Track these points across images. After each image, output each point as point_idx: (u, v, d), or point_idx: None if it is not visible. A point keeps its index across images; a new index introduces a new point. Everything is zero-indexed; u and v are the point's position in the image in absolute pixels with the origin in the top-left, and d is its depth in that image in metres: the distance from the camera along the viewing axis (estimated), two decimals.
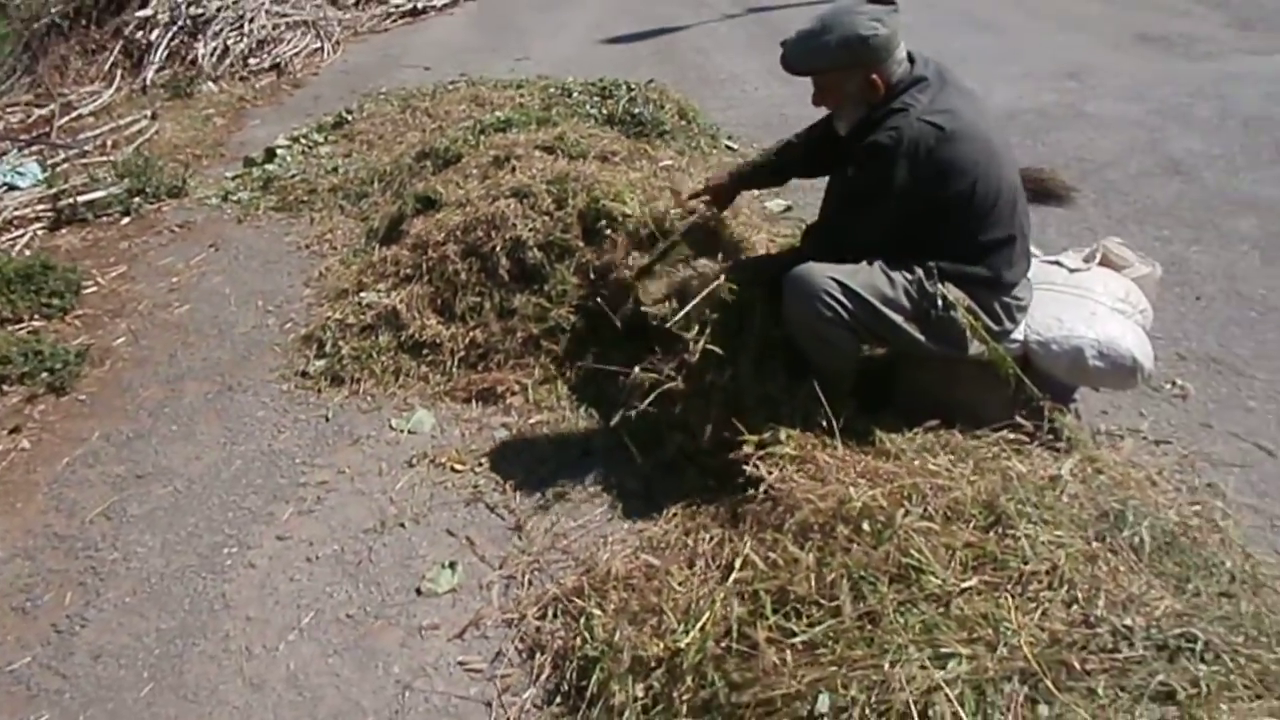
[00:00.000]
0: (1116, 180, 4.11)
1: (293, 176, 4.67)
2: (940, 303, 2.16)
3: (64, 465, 2.76)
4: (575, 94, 4.68)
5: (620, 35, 7.16)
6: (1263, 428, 2.52)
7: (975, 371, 2.29)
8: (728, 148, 4.59)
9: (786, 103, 5.23)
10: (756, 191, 4.10)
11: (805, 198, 4.10)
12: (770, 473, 2.07)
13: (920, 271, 2.17)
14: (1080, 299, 2.40)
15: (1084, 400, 2.62)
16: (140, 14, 6.43)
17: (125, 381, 3.16)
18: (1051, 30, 6.46)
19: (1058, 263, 2.60)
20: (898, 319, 2.16)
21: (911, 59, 2.18)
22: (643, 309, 2.59)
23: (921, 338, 2.19)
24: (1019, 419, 2.18)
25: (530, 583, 2.18)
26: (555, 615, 2.04)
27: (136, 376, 3.19)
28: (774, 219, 3.76)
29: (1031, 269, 2.44)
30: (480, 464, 2.60)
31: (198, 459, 2.74)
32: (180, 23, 6.48)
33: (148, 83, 6.09)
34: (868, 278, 2.15)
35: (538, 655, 1.96)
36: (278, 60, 6.72)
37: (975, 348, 2.22)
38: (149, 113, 5.50)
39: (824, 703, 1.52)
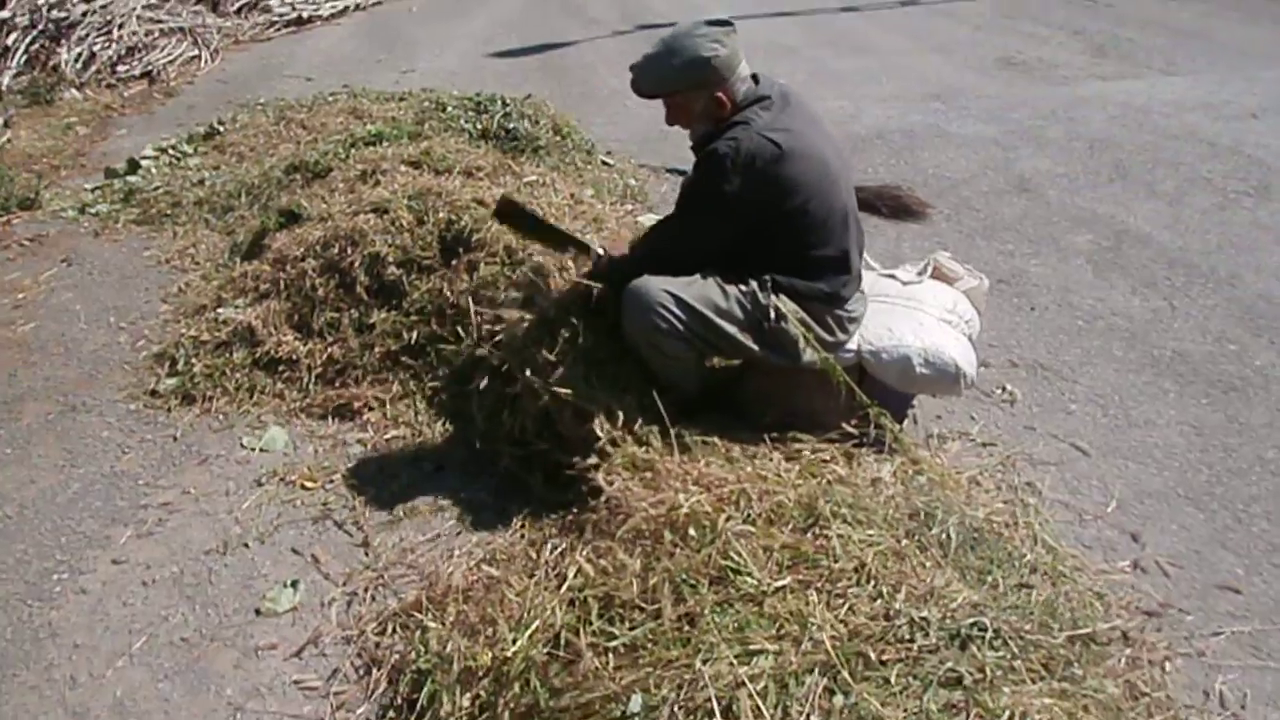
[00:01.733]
0: (969, 197, 4.34)
1: (156, 189, 4.52)
2: (773, 314, 2.25)
3: None
4: (450, 108, 4.67)
5: (509, 49, 7.19)
6: (1081, 429, 2.70)
7: (816, 379, 2.39)
8: (604, 163, 4.66)
9: None
10: (631, 206, 4.20)
11: None
12: (610, 482, 2.12)
13: (754, 284, 2.26)
14: (911, 310, 2.54)
15: (920, 406, 2.75)
16: None
17: None
18: (922, 54, 6.77)
19: (893, 276, 2.73)
20: (732, 330, 2.24)
21: (757, 79, 2.28)
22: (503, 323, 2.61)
23: (756, 347, 2.28)
24: (848, 426, 2.28)
25: (373, 598, 2.16)
26: (394, 630, 2.04)
27: None
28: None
29: (868, 281, 2.58)
30: (332, 481, 2.57)
31: (32, 483, 2.63)
32: (40, 26, 6.19)
33: (3, 88, 5.80)
34: (701, 290, 2.23)
35: (374, 671, 1.95)
36: (150, 68, 6.49)
37: (809, 356, 2.32)
38: (2, 120, 5.25)
39: (635, 703, 1.56)
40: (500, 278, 2.77)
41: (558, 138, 4.51)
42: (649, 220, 4.07)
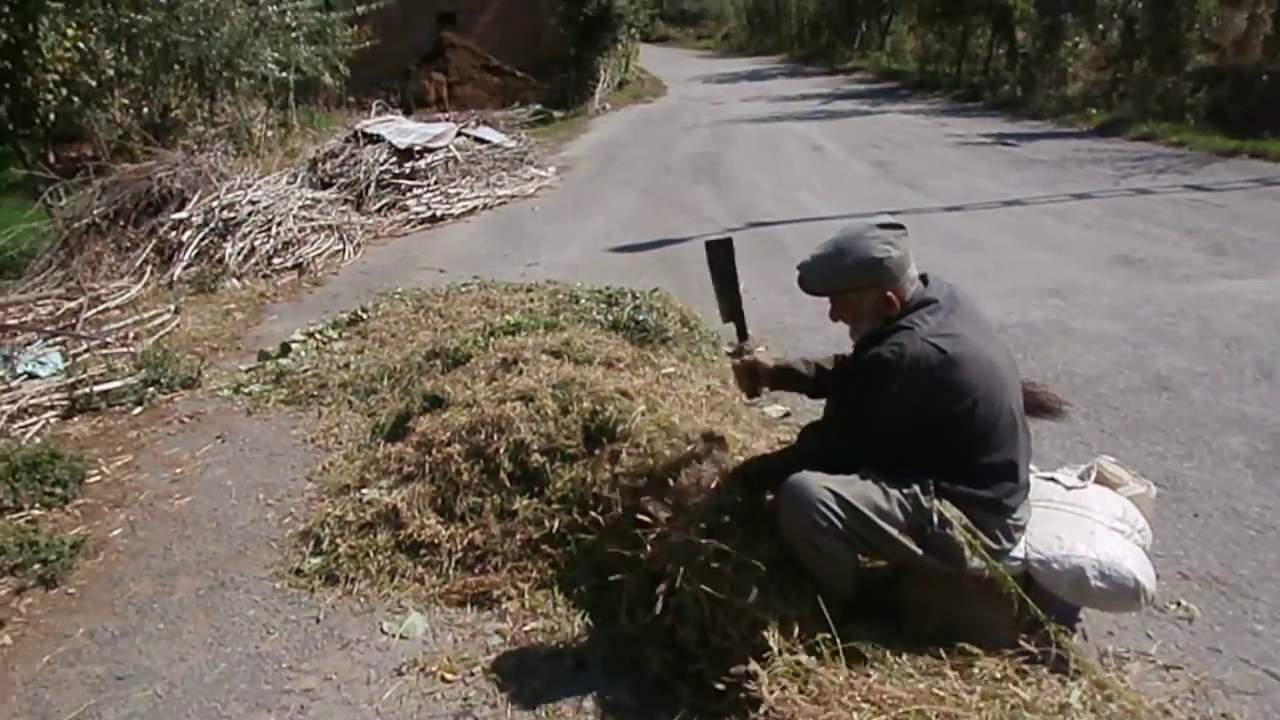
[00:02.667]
0: (1106, 395, 4.23)
1: (305, 371, 4.80)
2: (936, 519, 2.18)
3: (44, 664, 2.67)
4: (582, 300, 4.90)
5: (626, 245, 7.57)
6: (1273, 653, 2.46)
7: (979, 587, 2.28)
8: (728, 355, 4.74)
9: (785, 312, 5.47)
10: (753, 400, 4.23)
11: (804, 404, 4.20)
12: (770, 693, 2.01)
13: (916, 486, 2.21)
14: (1078, 517, 2.42)
15: (1089, 619, 2.57)
16: (176, 216, 6.84)
17: (117, 575, 3.12)
18: (1033, 250, 6.84)
19: (1053, 479, 2.64)
20: (893, 532, 2.17)
21: (925, 280, 2.32)
22: (645, 512, 2.60)
23: (918, 551, 2.20)
24: (1023, 641, 2.14)
25: None
26: None
27: (129, 570, 3.15)
28: (772, 425, 3.84)
29: (1029, 486, 2.49)
30: (471, 674, 2.52)
31: (182, 660, 2.66)
32: (212, 225, 6.88)
33: (175, 279, 6.39)
34: (862, 489, 2.19)
35: None
36: (300, 260, 7.07)
37: (974, 562, 2.22)
38: (172, 307, 5.74)
39: None
40: (645, 469, 2.78)
41: (685, 329, 4.64)
42: (774, 411, 4.10)
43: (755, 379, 2.71)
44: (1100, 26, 14.90)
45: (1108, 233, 7.30)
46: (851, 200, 8.93)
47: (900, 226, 2.28)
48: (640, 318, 4.56)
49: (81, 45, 6.70)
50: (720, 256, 2.74)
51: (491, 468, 3.09)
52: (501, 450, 3.10)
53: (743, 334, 2.70)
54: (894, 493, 2.21)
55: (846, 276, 2.26)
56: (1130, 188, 9.01)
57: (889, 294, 2.24)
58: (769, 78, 25.04)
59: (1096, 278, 6.09)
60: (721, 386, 4.03)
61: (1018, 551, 2.31)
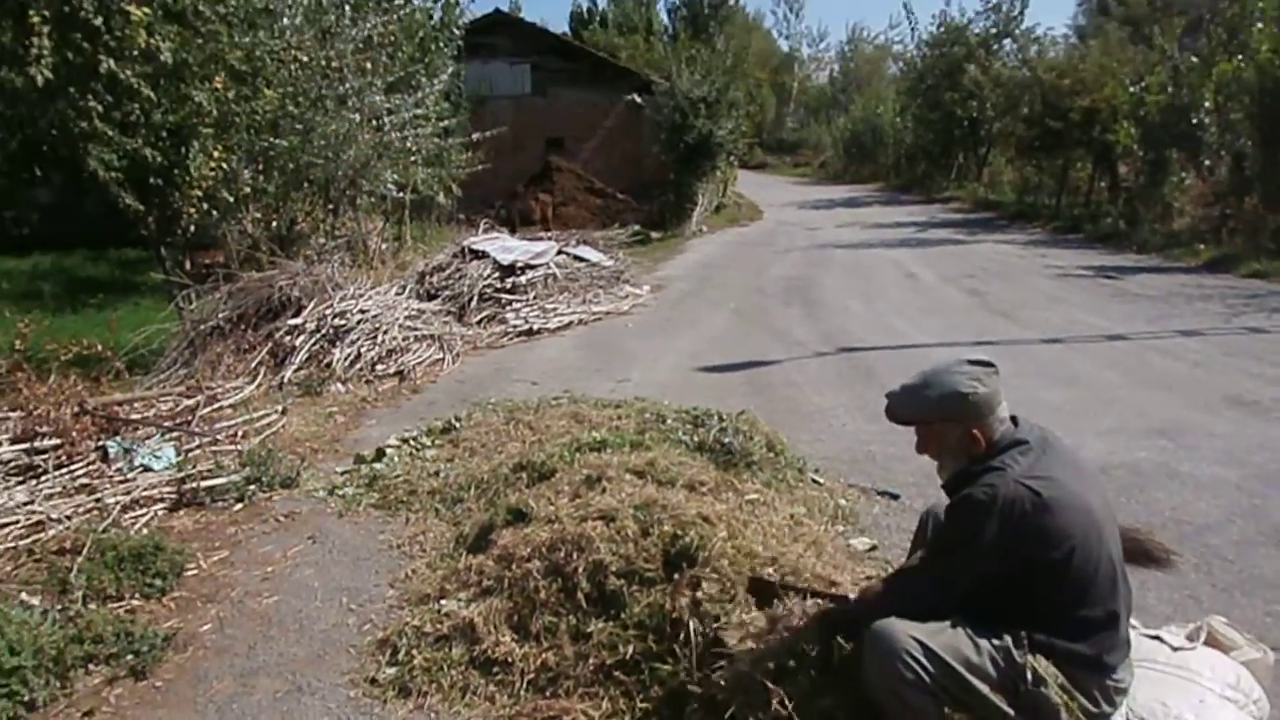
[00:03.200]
0: (1219, 546, 3.97)
1: (396, 476, 4.93)
2: (1030, 676, 2.07)
3: None
4: (669, 420, 4.93)
5: (716, 365, 7.64)
6: None
7: None
8: (814, 481, 4.68)
9: (874, 440, 5.38)
10: (841, 528, 4.15)
11: (890, 537, 4.09)
12: None
13: (1009, 639, 2.11)
14: (1187, 682, 2.27)
15: None
16: (292, 321, 7.27)
17: (202, 671, 3.20)
18: (1138, 388, 6.59)
19: (1158, 638, 2.48)
20: (983, 688, 2.07)
21: (1015, 422, 2.29)
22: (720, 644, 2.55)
23: (1010, 711, 2.08)
24: None
25: None
26: None
27: (214, 667, 3.23)
28: (859, 558, 3.73)
29: (1131, 643, 2.34)
30: None
31: None
32: (324, 331, 7.28)
33: (285, 381, 6.74)
34: (951, 640, 2.10)
35: None
36: (402, 367, 7.38)
37: None
38: (280, 408, 6.03)
39: None
40: (725, 600, 2.73)
41: (770, 454, 4.61)
42: (860, 544, 3.99)
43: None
44: (1206, 162, 14.68)
45: (1218, 372, 7.00)
46: (945, 328, 8.85)
47: (990, 364, 2.27)
48: (726, 440, 4.55)
49: (224, 166, 7.33)
50: (767, 595, 2.74)
51: (569, 587, 3.09)
52: (580, 570, 3.10)
53: (839, 598, 2.63)
54: (985, 645, 2.11)
55: (931, 408, 2.26)
56: (1242, 326, 8.67)
57: (974, 431, 2.21)
58: (864, 205, 25.40)
59: (1207, 419, 5.81)
60: (806, 515, 3.97)
61: (1118, 717, 2.16)
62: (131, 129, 6.60)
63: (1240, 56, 13.74)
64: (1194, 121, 14.51)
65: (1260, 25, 13.68)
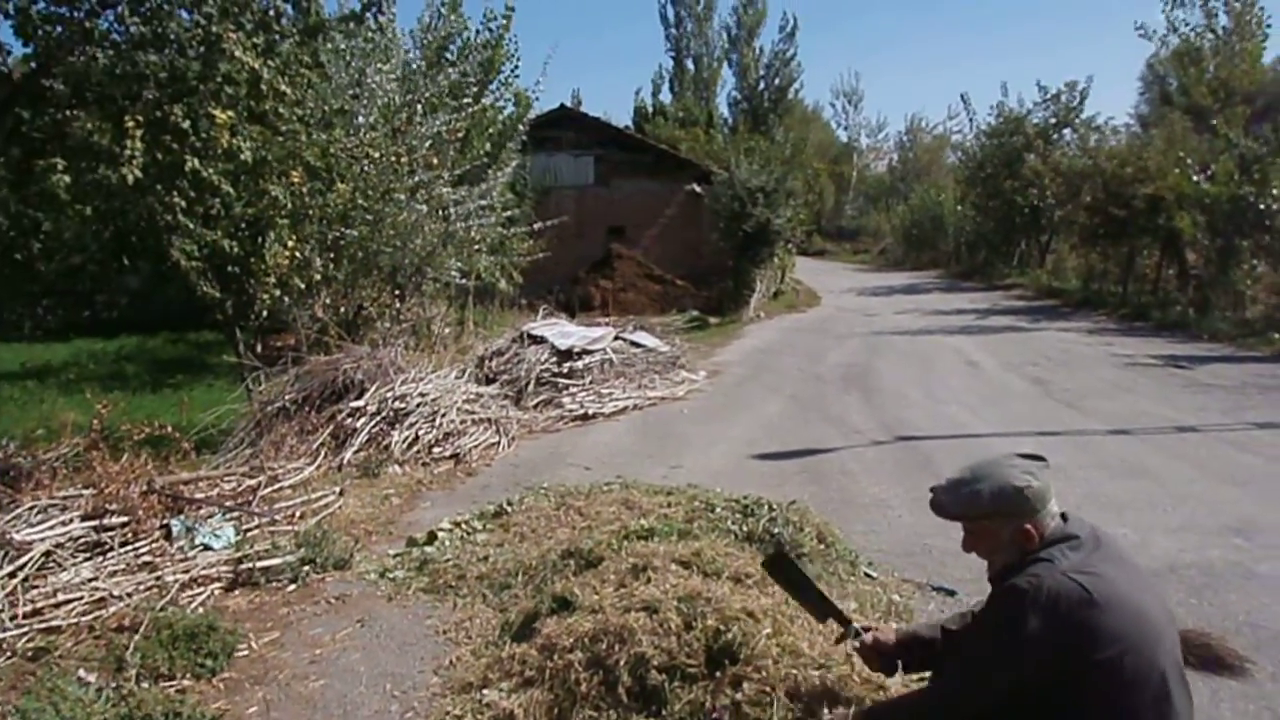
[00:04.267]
0: None
1: (447, 560, 4.97)
2: None
3: None
4: (719, 509, 4.90)
5: (770, 452, 7.58)
6: None
7: None
8: (867, 575, 4.57)
9: (930, 533, 5.24)
10: (895, 625, 4.02)
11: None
12: None
13: None
14: None
15: None
16: (354, 404, 7.48)
17: None
18: (1211, 483, 6.33)
19: None
20: None
21: (1066, 518, 2.22)
22: None
23: None
24: None
25: None
26: None
27: None
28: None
29: None
30: None
31: None
32: (384, 414, 7.46)
33: (345, 462, 6.90)
34: None
35: None
36: (458, 450, 7.49)
37: None
38: (338, 489, 6.16)
39: None
40: (766, 698, 2.67)
41: (821, 546, 4.54)
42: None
43: (883, 656, 2.58)
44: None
45: None
46: (1007, 418, 8.66)
47: (1042, 458, 2.22)
48: (775, 530, 4.51)
49: (298, 254, 7.69)
50: (780, 571, 2.74)
51: (610, 680, 3.06)
52: (622, 662, 3.07)
53: (844, 621, 2.62)
54: None
55: (983, 504, 2.19)
56: None
57: (1027, 526, 2.14)
58: (924, 291, 25.26)
59: None
60: (857, 610, 3.87)
61: None
62: (212, 221, 7.01)
63: None
64: (1262, 209, 14.22)
65: None
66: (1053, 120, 26.98)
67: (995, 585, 2.22)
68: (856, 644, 2.58)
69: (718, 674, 2.90)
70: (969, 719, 2.07)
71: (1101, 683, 1.99)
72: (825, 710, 2.51)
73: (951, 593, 4.47)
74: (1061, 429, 8.09)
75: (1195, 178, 15.99)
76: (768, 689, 2.74)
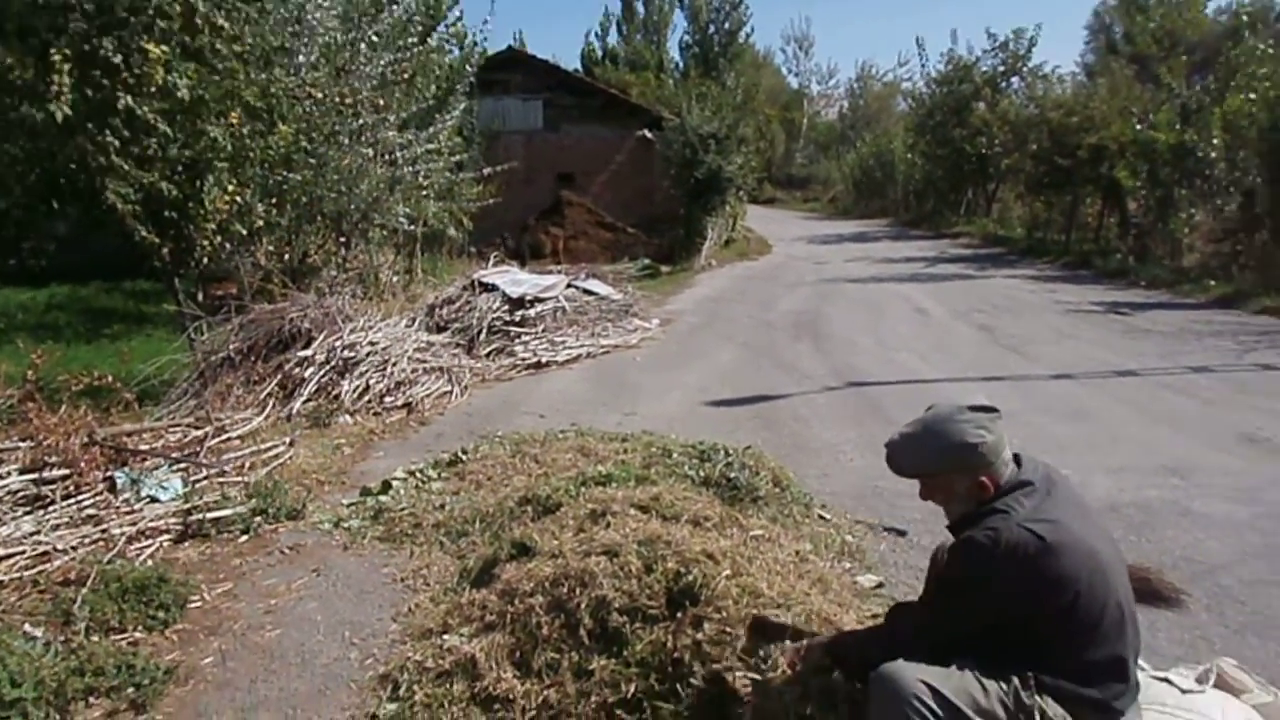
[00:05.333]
0: (1230, 586, 3.92)
1: (402, 509, 4.92)
2: (1038, 717, 2.04)
3: None
4: (675, 454, 4.93)
5: (724, 398, 7.62)
6: None
7: None
8: (821, 517, 4.65)
9: (881, 475, 5.27)
10: (847, 565, 4.11)
11: (897, 574, 4.06)
12: None
13: (1017, 681, 2.08)
14: None
15: None
16: (302, 353, 7.31)
17: (202, 705, 3.18)
18: (1149, 425, 6.55)
19: (1167, 680, 2.44)
20: None
21: (1019, 460, 2.26)
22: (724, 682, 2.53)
23: None
24: None
25: None
26: None
27: (214, 701, 3.21)
28: (865, 595, 3.69)
29: (1139, 686, 2.31)
30: None
31: None
32: (333, 363, 7.31)
33: (294, 412, 6.76)
34: (960, 683, 2.07)
35: None
36: (410, 399, 7.39)
37: None
38: (288, 439, 6.05)
39: None
40: (728, 638, 2.71)
41: (776, 489, 4.60)
42: (867, 581, 3.95)
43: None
44: (1217, 200, 14.70)
45: (1230, 409, 6.95)
46: (955, 364, 8.83)
47: (994, 409, 2.25)
48: (732, 475, 4.54)
49: (239, 199, 7.42)
50: (767, 634, 2.74)
51: (572, 623, 3.07)
52: (583, 606, 3.08)
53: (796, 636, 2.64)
54: (993, 687, 2.08)
55: (938, 461, 2.22)
56: (1254, 363, 8.63)
57: (982, 479, 2.18)
58: (873, 240, 25.48)
59: (1218, 456, 5.77)
60: (812, 551, 3.94)
61: None
62: (148, 163, 6.70)
63: (1245, 95, 13.82)
64: (1200, 158, 14.55)
65: (1265, 69, 13.82)
66: (1001, 69, 27.13)
67: (955, 532, 2.26)
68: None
69: (678, 615, 2.93)
70: (935, 658, 2.12)
71: (1059, 622, 2.07)
72: (782, 649, 2.55)
73: (902, 533, 4.58)
74: (1007, 374, 8.27)
75: (1138, 126, 16.27)
76: (728, 629, 2.77)
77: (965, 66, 27.94)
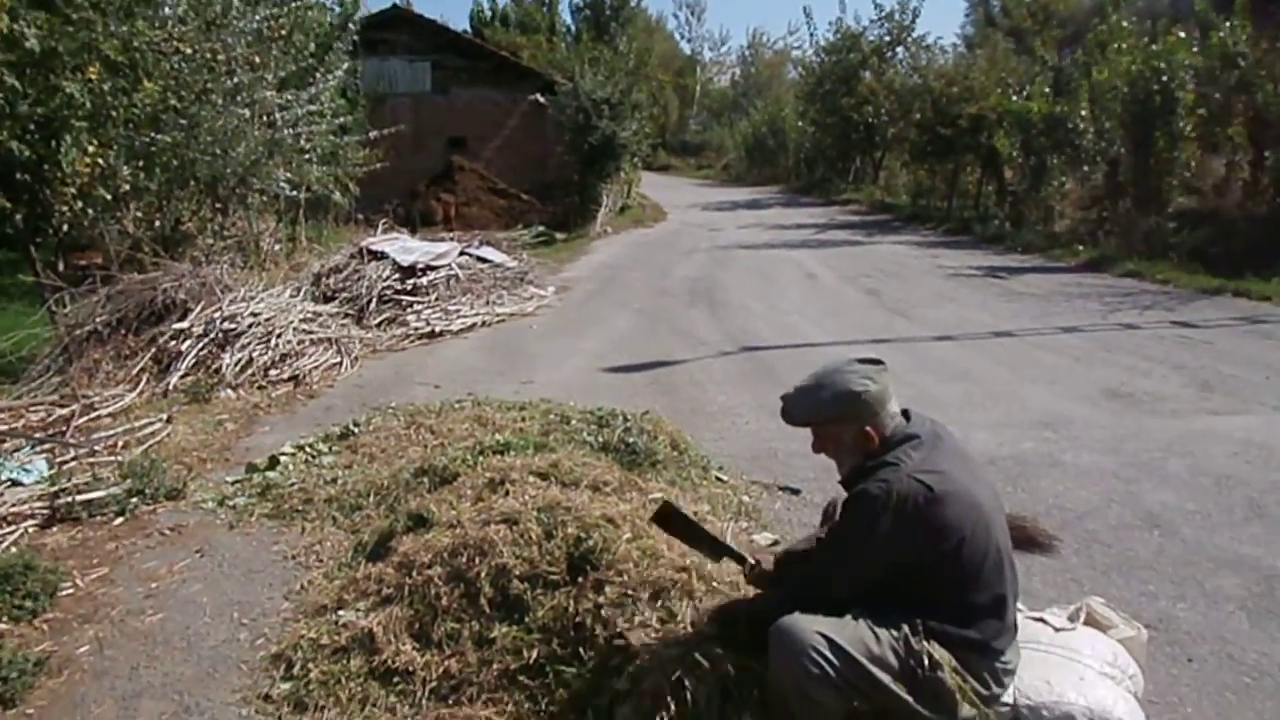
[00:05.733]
0: (1097, 530, 4.19)
1: (292, 485, 4.75)
2: (926, 662, 2.13)
3: None
4: (573, 421, 4.91)
5: (620, 365, 7.64)
6: None
7: None
8: (718, 479, 4.73)
9: (776, 437, 5.47)
10: (744, 524, 4.20)
11: (792, 531, 4.17)
12: None
13: (906, 629, 2.17)
14: (1068, 661, 2.37)
15: None
16: (177, 326, 6.93)
17: (79, 696, 3.01)
18: (1024, 382, 6.91)
19: (1042, 619, 2.59)
20: (885, 678, 2.12)
21: (908, 416, 2.34)
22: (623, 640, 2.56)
23: (910, 699, 2.14)
24: None
25: None
26: None
27: (92, 690, 3.04)
28: (762, 553, 3.78)
29: (1018, 626, 2.44)
30: None
31: None
32: (213, 335, 6.96)
33: (171, 388, 6.41)
34: (855, 633, 2.14)
35: None
36: (297, 372, 7.11)
37: (966, 711, 2.15)
38: (165, 416, 5.74)
39: None
40: (628, 600, 2.73)
41: (674, 453, 4.64)
42: (763, 539, 4.06)
43: (771, 583, 2.66)
44: (1085, 168, 15.52)
45: (1097, 366, 7.40)
46: (844, 327, 9.09)
47: (880, 362, 2.32)
48: (630, 440, 4.56)
49: (101, 162, 6.92)
50: (669, 523, 2.78)
51: (471, 592, 3.04)
52: (483, 574, 3.05)
53: (739, 559, 2.69)
54: (885, 635, 2.16)
55: (825, 409, 2.29)
56: (1118, 322, 9.20)
57: (867, 428, 2.26)
58: (766, 207, 25.88)
59: (1086, 410, 6.14)
60: (710, 513, 4.01)
61: (1006, 697, 2.25)
62: None
63: (1109, 68, 14.60)
64: (1070, 128, 15.32)
65: (1124, 44, 14.61)
66: (887, 38, 27.77)
67: (847, 487, 2.33)
68: (749, 579, 2.65)
69: (579, 580, 2.93)
70: (828, 610, 2.19)
71: (946, 568, 2.16)
72: (686, 608, 2.58)
73: (796, 491, 4.71)
74: (893, 336, 8.58)
75: (1014, 97, 16.99)
76: (629, 591, 2.79)
77: (853, 36, 28.47)
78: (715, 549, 2.66)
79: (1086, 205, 15.80)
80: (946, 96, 20.04)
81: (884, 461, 2.21)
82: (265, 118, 9.90)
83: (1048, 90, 16.28)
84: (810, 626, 2.12)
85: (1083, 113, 15.11)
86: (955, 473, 2.21)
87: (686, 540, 2.74)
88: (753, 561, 2.56)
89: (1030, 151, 16.45)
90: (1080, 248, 14.08)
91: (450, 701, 2.82)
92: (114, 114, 7.05)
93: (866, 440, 2.26)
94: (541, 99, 20.74)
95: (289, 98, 10.38)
